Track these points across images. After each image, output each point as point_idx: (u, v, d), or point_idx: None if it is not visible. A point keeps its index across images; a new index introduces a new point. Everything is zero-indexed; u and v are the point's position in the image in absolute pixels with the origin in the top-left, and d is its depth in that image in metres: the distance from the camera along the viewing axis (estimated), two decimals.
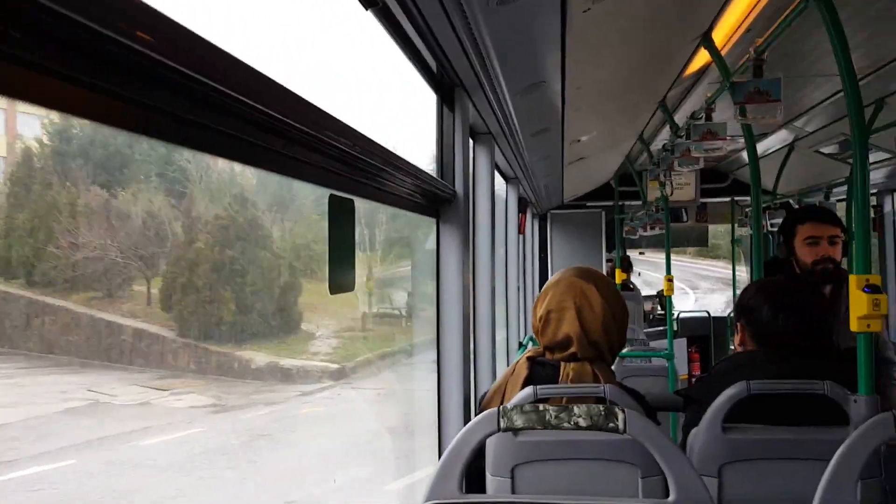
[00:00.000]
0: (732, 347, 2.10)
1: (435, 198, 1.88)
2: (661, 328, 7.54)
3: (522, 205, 4.50)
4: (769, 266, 2.92)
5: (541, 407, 1.03)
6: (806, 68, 3.53)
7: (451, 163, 2.01)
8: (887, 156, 4.77)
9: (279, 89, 0.84)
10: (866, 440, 0.99)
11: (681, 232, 8.63)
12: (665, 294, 5.09)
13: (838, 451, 0.99)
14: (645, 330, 7.64)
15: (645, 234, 6.55)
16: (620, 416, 1.01)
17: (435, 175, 2.05)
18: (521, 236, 4.86)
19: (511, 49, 1.82)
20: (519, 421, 1.03)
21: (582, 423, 1.02)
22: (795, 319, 1.94)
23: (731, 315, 2.19)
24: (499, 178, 4.06)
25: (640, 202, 6.69)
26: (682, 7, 2.36)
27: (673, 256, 5.32)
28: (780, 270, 2.80)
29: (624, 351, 5.23)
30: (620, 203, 7.16)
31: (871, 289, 1.70)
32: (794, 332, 1.93)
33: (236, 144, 0.81)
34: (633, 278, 8.99)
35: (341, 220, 1.14)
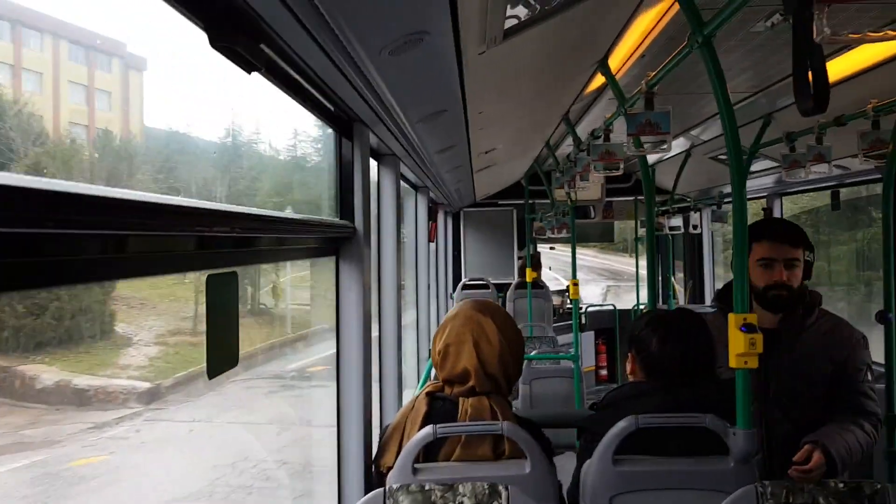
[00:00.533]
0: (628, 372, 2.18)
1: (334, 240, 1.86)
2: (569, 322, 7.76)
3: (432, 212, 4.51)
4: (726, 289, 2.54)
5: (426, 486, 1.05)
6: (702, 85, 3.68)
7: (350, 196, 1.99)
8: (775, 164, 5.03)
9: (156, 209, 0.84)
10: None
11: (588, 228, 8.86)
12: (571, 297, 5.21)
13: None
14: (553, 325, 7.84)
15: (554, 235, 6.70)
16: (504, 493, 1.04)
17: (335, 208, 2.03)
18: (431, 244, 4.88)
19: (407, 88, 1.81)
20: (405, 502, 1.04)
21: (467, 502, 1.04)
22: (681, 350, 2.04)
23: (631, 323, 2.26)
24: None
25: (549, 201, 6.84)
26: (579, 37, 2.41)
27: (582, 250, 5.47)
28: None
29: (531, 353, 5.35)
30: (531, 202, 7.29)
31: (747, 328, 1.79)
32: (681, 363, 2.02)
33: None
34: (544, 271, 9.20)
35: (225, 295, 1.11)
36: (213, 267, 1.08)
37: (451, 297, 7.51)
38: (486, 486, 1.02)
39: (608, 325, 8.56)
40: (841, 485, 1.01)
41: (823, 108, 1.21)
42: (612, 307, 8.85)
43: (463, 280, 7.98)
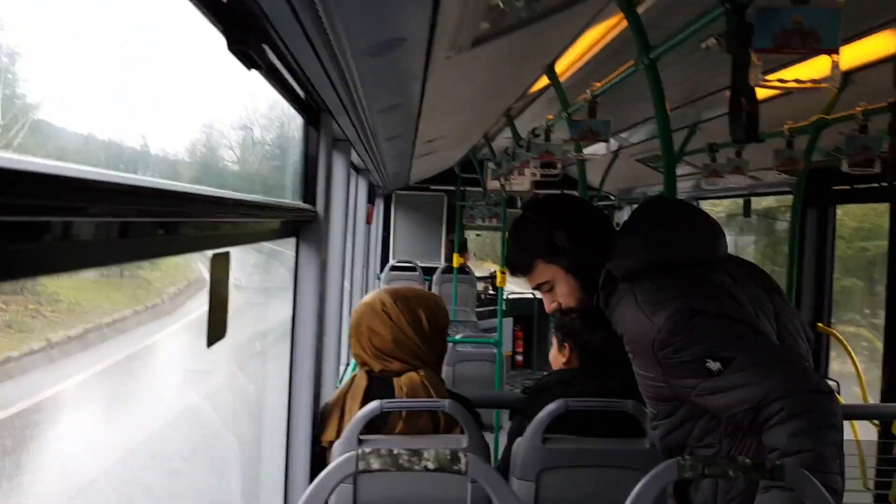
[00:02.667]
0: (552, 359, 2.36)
1: (296, 222, 1.96)
2: (492, 307, 8.01)
3: (371, 194, 4.60)
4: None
5: (395, 451, 1.18)
6: (634, 94, 3.92)
7: (313, 181, 2.08)
8: (695, 171, 5.36)
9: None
10: (655, 482, 1.23)
11: (515, 217, 9.13)
12: (498, 286, 5.42)
13: (632, 493, 1.22)
14: (476, 309, 8.07)
15: (483, 224, 6.90)
16: (464, 459, 1.18)
17: (297, 191, 2.12)
18: (368, 226, 4.97)
19: (376, 84, 1.92)
20: (376, 464, 1.17)
21: (430, 465, 1.17)
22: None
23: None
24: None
25: (479, 189, 7.02)
26: (534, 45, 2.56)
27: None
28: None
29: (456, 336, 5.54)
30: (462, 189, 7.46)
31: None
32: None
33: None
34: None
35: (223, 273, 1.21)
36: (181, 250, 1.16)
37: (378, 279, 7.62)
38: (448, 453, 1.17)
39: (526, 312, 8.85)
40: (748, 461, 1.21)
41: (754, 137, 1.40)
42: (531, 295, 9.15)
43: (391, 262, 8.09)
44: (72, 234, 0.69)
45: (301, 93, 1.85)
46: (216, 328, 1.20)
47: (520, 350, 9.04)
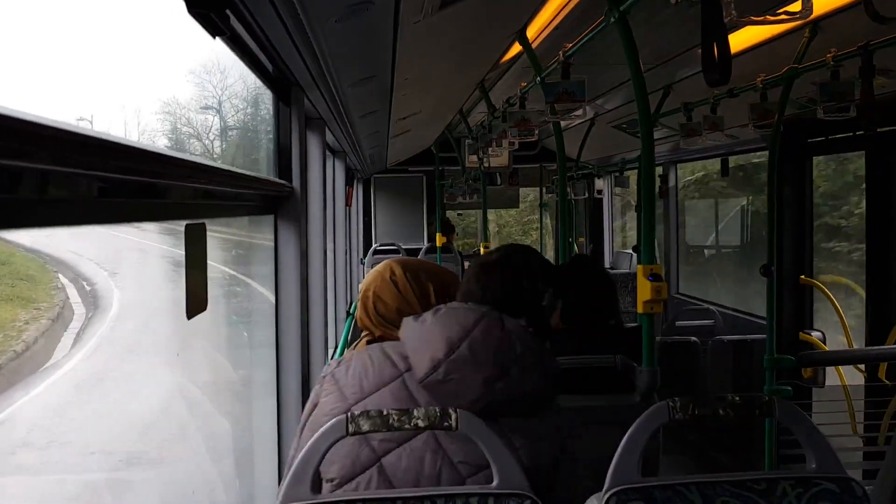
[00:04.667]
0: None
1: (273, 198, 1.94)
2: None
3: (350, 177, 4.57)
4: (574, 261, 3.00)
5: (384, 412, 1.17)
6: (607, 57, 3.91)
7: (288, 158, 2.06)
8: (673, 133, 5.37)
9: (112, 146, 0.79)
10: (646, 425, 1.23)
11: (495, 194, 9.11)
12: None
13: (626, 435, 1.23)
14: None
15: (464, 201, 6.89)
16: (454, 415, 1.18)
17: (273, 169, 2.10)
18: (348, 208, 4.95)
19: (345, 54, 1.90)
20: (365, 426, 1.16)
21: (421, 423, 1.17)
22: (588, 295, 2.28)
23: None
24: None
25: (458, 167, 7.00)
26: (502, 9, 2.54)
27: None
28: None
29: None
30: (441, 168, 7.44)
31: (654, 277, 2.01)
32: (589, 307, 2.26)
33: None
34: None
35: (199, 245, 1.19)
36: (156, 216, 1.14)
37: (363, 263, 7.60)
38: (437, 410, 1.16)
39: None
40: (737, 398, 1.22)
41: (727, 78, 1.40)
42: None
43: (374, 245, 8.07)
44: (46, 185, 0.67)
45: (269, 66, 1.82)
46: (195, 302, 1.19)
47: None
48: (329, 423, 1.17)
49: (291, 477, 1.15)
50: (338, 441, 1.16)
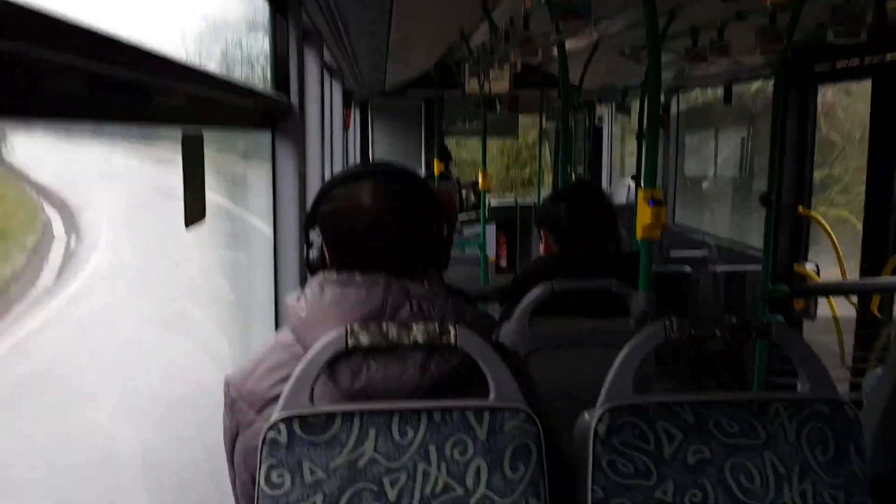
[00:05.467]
0: (541, 251, 2.37)
1: (271, 113, 1.89)
2: (476, 214, 8.00)
3: (347, 99, 4.49)
4: (577, 185, 2.94)
5: (384, 326, 1.17)
6: None
7: (286, 73, 2.01)
8: (676, 58, 5.25)
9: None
10: (642, 345, 1.24)
11: (495, 122, 8.98)
12: (481, 189, 5.38)
13: (622, 353, 1.24)
14: (460, 217, 8.07)
15: (464, 127, 6.79)
16: (452, 331, 1.18)
17: (269, 86, 2.05)
18: (346, 131, 4.87)
19: None
20: (365, 340, 1.16)
21: (420, 338, 1.17)
22: (587, 216, 2.27)
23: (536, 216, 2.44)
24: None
25: (458, 93, 6.87)
26: None
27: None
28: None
29: None
30: (440, 93, 7.30)
31: (654, 202, 2.00)
32: (588, 228, 2.26)
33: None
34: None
35: (195, 155, 1.17)
36: (152, 119, 1.11)
37: None
38: (436, 325, 1.16)
39: (510, 218, 8.87)
40: (734, 319, 1.22)
41: None
42: (513, 202, 9.15)
43: None
44: (36, 74, 0.65)
45: None
46: (194, 210, 1.17)
47: (503, 254, 9.09)
48: (328, 336, 1.16)
49: (291, 390, 1.16)
50: (337, 355, 1.16)
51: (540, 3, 2.91)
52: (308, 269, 1.32)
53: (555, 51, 3.59)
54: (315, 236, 1.30)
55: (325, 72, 4.11)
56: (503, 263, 9.19)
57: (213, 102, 1.32)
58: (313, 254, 1.31)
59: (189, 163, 1.14)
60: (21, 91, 0.63)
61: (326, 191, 1.28)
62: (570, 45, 5.41)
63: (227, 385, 1.27)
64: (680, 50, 4.41)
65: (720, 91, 5.25)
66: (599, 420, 1.20)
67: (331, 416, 1.13)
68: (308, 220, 1.31)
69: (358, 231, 1.25)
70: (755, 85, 5.64)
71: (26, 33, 0.59)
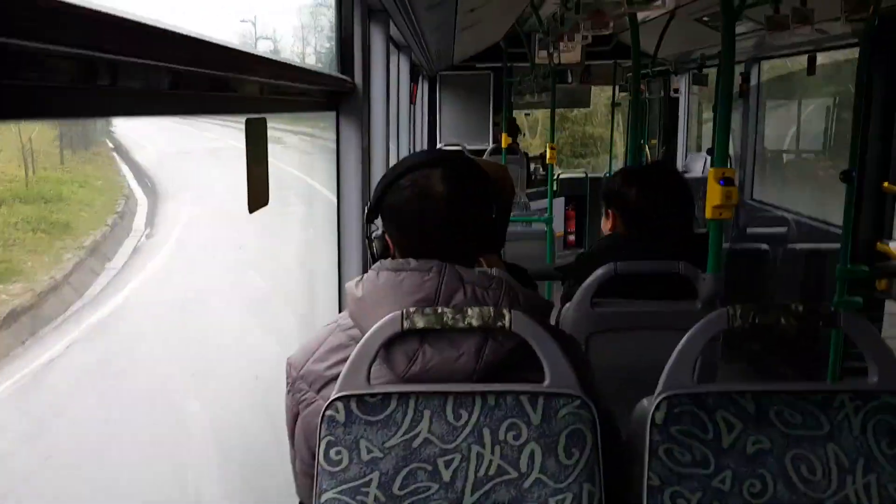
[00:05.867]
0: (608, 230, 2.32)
1: (335, 94, 1.92)
2: (543, 188, 7.94)
3: (414, 73, 4.49)
4: (652, 166, 2.78)
5: (439, 310, 1.19)
6: None
7: (350, 52, 2.03)
8: (757, 27, 5.04)
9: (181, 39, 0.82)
10: (704, 331, 1.22)
11: (565, 93, 8.83)
12: (548, 162, 5.32)
13: (682, 340, 1.21)
14: (528, 190, 8.01)
15: (533, 100, 6.70)
16: (507, 315, 1.18)
17: (335, 65, 2.07)
18: (412, 106, 4.88)
19: None
20: (420, 322, 1.18)
21: (474, 322, 1.18)
22: (664, 204, 2.19)
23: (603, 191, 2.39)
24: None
25: (527, 64, 6.77)
26: None
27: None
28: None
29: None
30: (509, 65, 7.21)
31: (725, 181, 1.94)
32: (663, 213, 2.18)
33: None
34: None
35: (260, 139, 1.20)
36: (216, 110, 1.15)
37: None
38: (491, 310, 1.17)
39: (579, 192, 8.74)
40: (801, 307, 1.18)
41: None
42: (583, 174, 9.00)
43: (438, 145, 8.01)
44: (117, 75, 0.71)
45: None
46: (257, 196, 1.21)
47: (572, 230, 8.99)
48: (385, 319, 1.19)
49: (349, 370, 1.19)
50: (394, 336, 1.19)
51: None
52: (372, 258, 1.34)
53: (628, 20, 3.49)
54: (379, 225, 1.32)
55: (393, 47, 4.12)
56: (571, 238, 9.11)
57: (276, 89, 1.35)
58: (377, 244, 1.33)
59: (253, 147, 1.18)
60: (105, 90, 0.70)
61: (392, 180, 1.30)
62: (643, 14, 5.26)
63: (289, 366, 1.31)
64: (760, 18, 4.22)
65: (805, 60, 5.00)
66: (657, 408, 1.19)
67: (387, 397, 1.16)
68: (372, 210, 1.33)
69: (430, 218, 1.26)
70: (844, 54, 5.35)
71: (115, 41, 0.65)
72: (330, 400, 1.16)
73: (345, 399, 1.16)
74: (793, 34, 3.35)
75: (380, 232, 1.32)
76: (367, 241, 1.35)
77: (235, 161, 1.19)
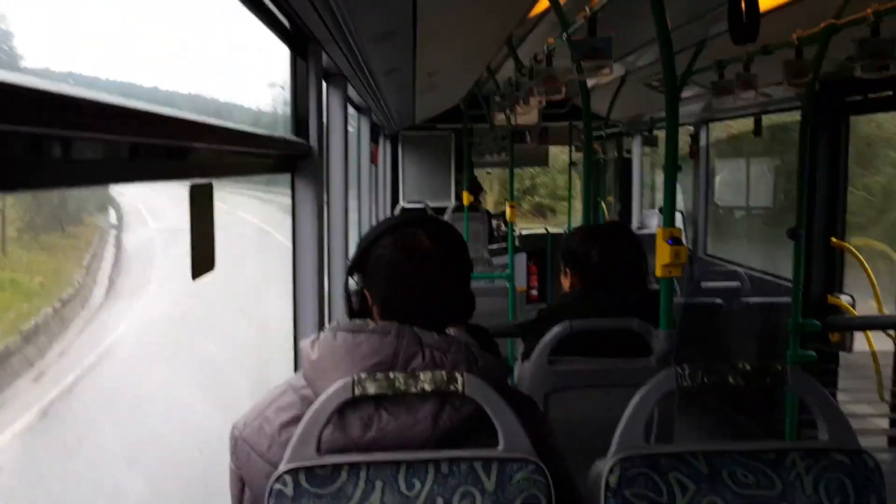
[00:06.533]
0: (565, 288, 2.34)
1: (290, 157, 1.93)
2: (503, 245, 8.00)
3: (375, 134, 4.54)
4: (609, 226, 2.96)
5: (391, 375, 1.17)
6: (637, 12, 3.79)
7: (305, 115, 2.04)
8: (704, 90, 5.23)
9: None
10: (652, 392, 1.22)
11: (524, 152, 9.00)
12: (508, 220, 5.38)
13: (630, 404, 1.22)
14: (490, 246, 8.07)
15: (493, 159, 6.82)
16: (460, 379, 1.17)
17: (290, 127, 2.08)
18: (374, 166, 4.92)
19: (363, 8, 1.86)
20: (372, 388, 1.16)
21: (427, 387, 1.17)
22: (619, 263, 2.22)
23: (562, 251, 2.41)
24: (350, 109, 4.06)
25: (487, 124, 6.92)
26: None
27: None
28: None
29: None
30: (469, 126, 7.36)
31: (673, 241, 1.97)
32: (619, 272, 2.21)
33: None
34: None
35: (204, 204, 1.19)
36: (177, 176, 1.15)
37: None
38: (444, 374, 1.16)
39: (540, 247, 8.83)
40: (748, 366, 1.20)
41: (754, 37, 1.34)
42: (544, 230, 9.11)
43: (401, 203, 8.06)
44: (81, 149, 0.75)
45: (285, 21, 1.80)
46: (201, 262, 1.19)
47: (534, 285, 9.04)
48: (335, 385, 1.16)
49: (298, 440, 1.16)
50: (344, 404, 1.16)
51: (563, 41, 2.93)
52: (350, 313, 1.33)
53: (578, 85, 3.60)
54: (359, 283, 1.31)
55: (353, 109, 4.17)
56: (534, 293, 9.15)
57: (229, 153, 1.35)
58: (356, 298, 1.32)
59: (197, 212, 1.17)
60: (54, 163, 0.72)
61: (376, 237, 1.30)
62: (593, 80, 5.42)
63: (234, 428, 1.28)
64: (706, 83, 4.39)
65: (752, 122, 5.19)
66: (611, 471, 1.18)
67: (337, 468, 1.13)
68: (352, 267, 1.33)
69: (418, 272, 1.26)
70: (791, 115, 5.57)
71: (66, 119, 0.69)
72: (278, 474, 1.13)
73: (293, 472, 1.12)
74: (738, 98, 3.49)
75: (359, 287, 1.31)
76: (346, 294, 1.34)
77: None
